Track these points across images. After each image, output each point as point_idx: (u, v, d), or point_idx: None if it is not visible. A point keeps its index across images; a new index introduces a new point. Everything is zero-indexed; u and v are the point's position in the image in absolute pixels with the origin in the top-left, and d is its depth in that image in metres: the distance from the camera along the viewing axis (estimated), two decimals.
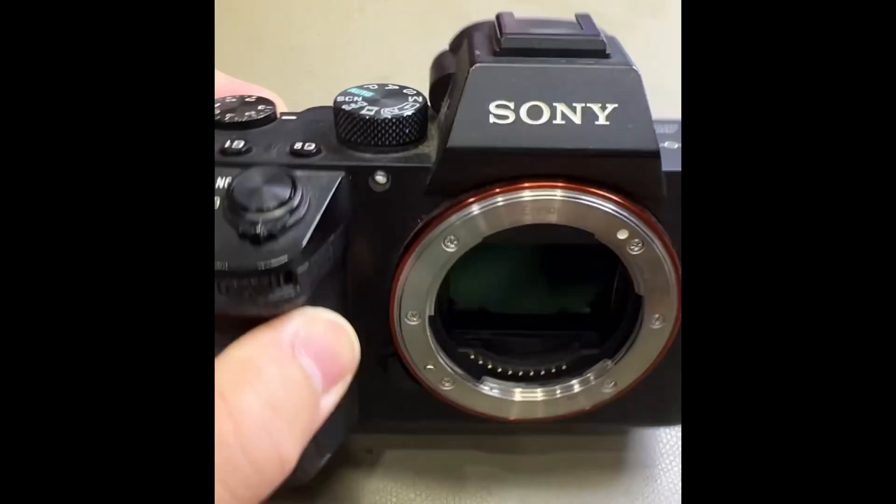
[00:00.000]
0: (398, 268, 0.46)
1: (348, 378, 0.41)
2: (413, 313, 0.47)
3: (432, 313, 0.48)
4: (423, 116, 0.45)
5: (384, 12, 1.07)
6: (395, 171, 0.44)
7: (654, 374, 0.50)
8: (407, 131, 0.45)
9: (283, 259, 0.37)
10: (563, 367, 0.52)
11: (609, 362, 0.50)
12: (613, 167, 0.43)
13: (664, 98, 0.47)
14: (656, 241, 0.45)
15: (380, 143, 0.44)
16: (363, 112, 0.44)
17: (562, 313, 0.53)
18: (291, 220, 0.39)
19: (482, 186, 0.43)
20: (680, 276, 0.46)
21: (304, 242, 0.39)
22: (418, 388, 0.51)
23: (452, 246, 0.45)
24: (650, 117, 0.42)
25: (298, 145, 0.44)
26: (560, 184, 0.43)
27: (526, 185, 0.43)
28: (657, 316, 0.48)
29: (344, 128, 0.45)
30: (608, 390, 0.51)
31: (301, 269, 0.38)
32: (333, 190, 0.42)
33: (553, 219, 0.44)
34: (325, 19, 1.04)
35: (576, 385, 0.51)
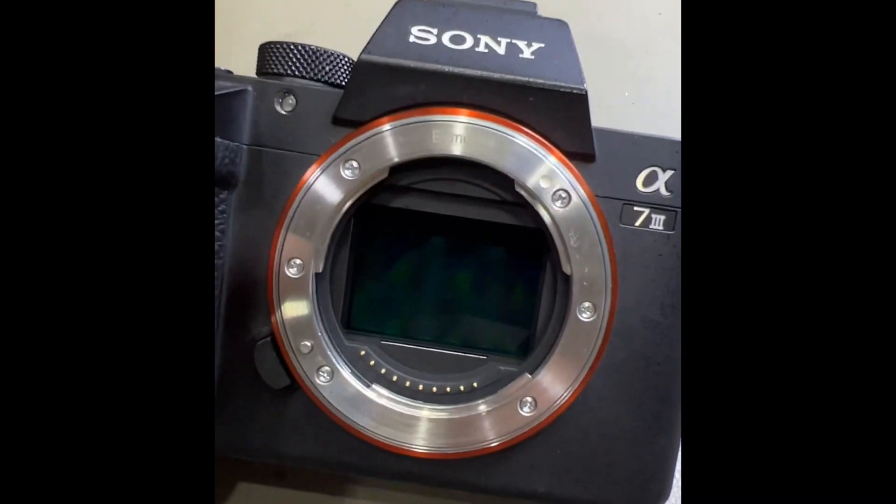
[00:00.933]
0: (287, 202, 0.40)
1: None
2: (295, 261, 0.40)
3: (320, 270, 0.40)
4: (345, 68, 0.43)
5: None
6: (301, 93, 0.41)
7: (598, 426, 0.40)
8: (327, 68, 0.42)
9: None
10: (474, 385, 0.41)
11: (527, 377, 0.40)
12: (537, 105, 0.39)
13: None
14: (585, 199, 0.39)
15: (296, 70, 0.42)
16: (287, 42, 0.42)
17: (478, 324, 0.44)
18: None
19: (392, 113, 0.40)
20: (615, 261, 0.39)
21: None
22: (289, 382, 0.41)
23: (351, 173, 0.39)
24: (578, 60, 0.39)
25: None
26: (477, 112, 0.39)
27: (439, 109, 0.39)
28: (587, 304, 0.39)
29: (264, 60, 0.43)
30: (527, 412, 0.40)
31: None
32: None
33: (467, 149, 0.39)
34: None
35: (482, 406, 0.40)
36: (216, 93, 0.39)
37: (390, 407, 0.40)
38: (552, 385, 0.40)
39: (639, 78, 0.54)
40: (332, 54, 0.42)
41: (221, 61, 0.43)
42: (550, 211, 0.39)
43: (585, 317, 0.39)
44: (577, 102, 0.39)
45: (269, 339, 0.41)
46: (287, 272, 0.40)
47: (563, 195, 0.39)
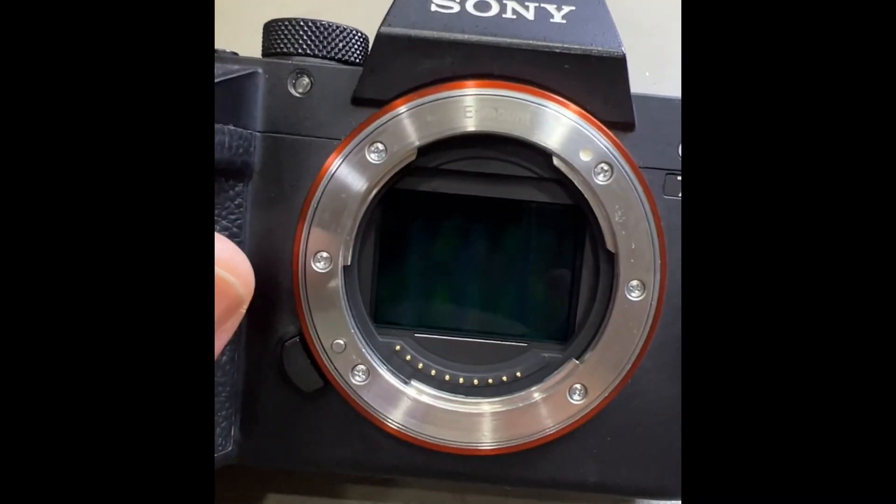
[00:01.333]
0: (309, 192, 0.37)
1: (242, 310, 0.33)
2: (322, 254, 0.37)
3: (348, 262, 0.37)
4: (359, 45, 0.40)
5: None
6: (317, 72, 0.38)
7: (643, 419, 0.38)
8: (340, 45, 0.39)
9: None
10: (518, 375, 0.39)
11: (574, 362, 0.38)
12: (572, 73, 0.36)
13: None
14: (628, 170, 0.36)
15: (307, 48, 0.39)
16: (297, 18, 0.39)
17: (517, 310, 0.42)
18: None
19: (417, 90, 0.37)
20: (662, 235, 0.37)
21: None
22: (322, 383, 0.38)
23: (377, 156, 0.36)
24: (613, 22, 0.37)
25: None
26: (509, 84, 0.36)
27: (467, 83, 0.36)
28: (635, 282, 0.37)
29: (270, 39, 0.40)
30: (576, 400, 0.38)
31: None
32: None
33: (499, 125, 0.36)
34: None
35: (535, 394, 0.38)
36: (223, 77, 0.36)
37: (434, 404, 0.38)
38: (601, 370, 0.37)
39: (660, 58, 0.52)
40: (345, 30, 0.39)
41: (224, 44, 0.40)
42: (592, 185, 0.36)
43: (635, 296, 0.37)
44: (615, 67, 0.36)
45: (297, 339, 0.38)
46: (314, 266, 0.37)
47: (606, 168, 0.36)
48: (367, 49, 0.40)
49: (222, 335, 0.32)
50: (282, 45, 0.39)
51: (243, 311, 0.33)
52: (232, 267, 0.31)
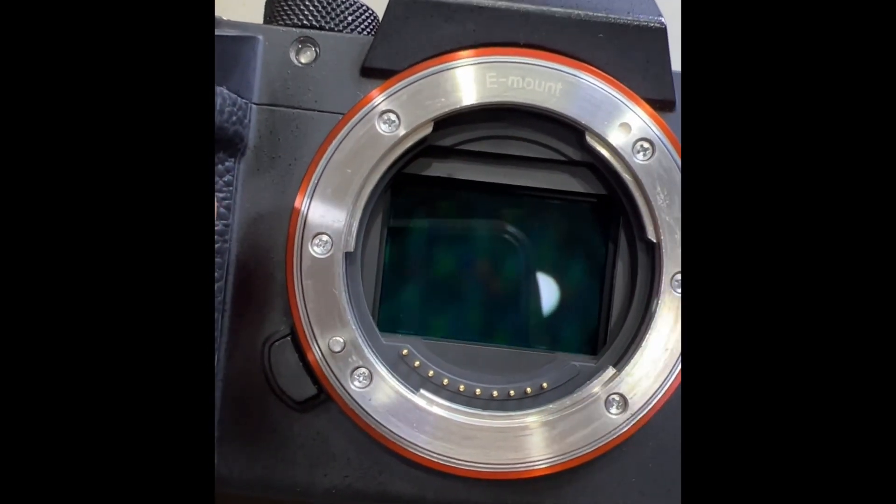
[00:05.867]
0: (310, 166, 0.33)
1: None
2: (322, 237, 0.32)
3: (351, 248, 0.32)
4: (369, 20, 0.37)
5: None
6: (323, 41, 0.34)
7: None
8: (349, 19, 0.36)
9: None
10: (544, 386, 0.34)
11: (611, 371, 0.33)
12: (608, 42, 0.33)
13: None
14: (671, 149, 0.33)
15: (313, 20, 0.35)
16: None
17: (542, 312, 0.36)
18: None
19: (435, 57, 0.33)
20: None
21: None
22: (315, 390, 0.33)
23: (389, 127, 0.32)
24: None
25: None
26: (538, 52, 0.33)
27: (491, 49, 0.33)
28: (680, 275, 0.32)
29: (273, 11, 0.36)
30: (614, 414, 0.32)
31: None
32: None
33: (527, 95, 0.32)
34: None
35: (569, 407, 0.32)
36: (218, 34, 0.32)
37: (449, 417, 0.32)
38: (643, 379, 0.32)
39: None
40: (356, 2, 0.36)
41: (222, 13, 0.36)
42: (631, 165, 0.32)
43: (680, 292, 0.32)
44: (655, 39, 0.33)
45: (288, 338, 0.33)
46: (312, 250, 0.32)
47: (646, 146, 0.32)
48: (376, 24, 0.37)
49: None
50: (285, 17, 0.36)
51: None
52: None
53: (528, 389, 0.34)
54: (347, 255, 0.32)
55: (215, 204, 0.32)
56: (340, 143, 0.32)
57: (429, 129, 0.32)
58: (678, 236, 0.32)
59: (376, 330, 0.34)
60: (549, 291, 0.36)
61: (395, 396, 0.32)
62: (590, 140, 0.32)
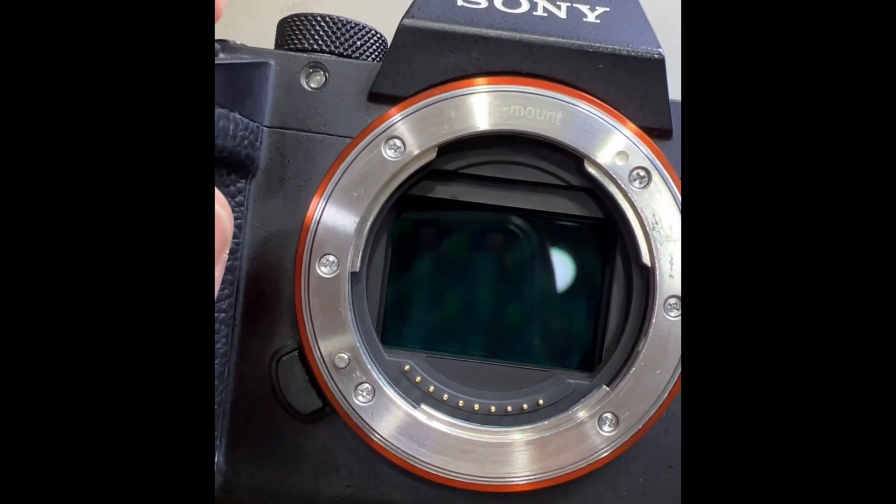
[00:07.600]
0: (318, 188, 0.34)
1: (225, 255, 0.29)
2: (328, 257, 0.33)
3: (357, 268, 0.34)
4: (377, 44, 0.38)
5: None
6: (332, 66, 0.35)
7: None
8: (358, 44, 0.37)
9: None
10: (540, 403, 0.35)
11: (605, 389, 0.34)
12: (607, 73, 0.34)
13: None
14: (667, 177, 0.34)
15: (323, 45, 0.37)
16: (311, 13, 0.37)
17: (540, 332, 0.38)
18: None
19: (440, 85, 0.34)
20: None
21: None
22: (321, 404, 0.34)
23: (395, 153, 0.34)
24: (649, 24, 0.35)
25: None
26: (539, 82, 0.34)
27: (494, 79, 0.34)
28: (673, 300, 0.33)
29: (284, 35, 0.37)
30: (607, 432, 0.34)
31: None
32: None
33: (528, 123, 0.33)
34: None
35: (563, 423, 0.34)
36: (230, 61, 0.34)
37: (449, 432, 0.33)
38: (635, 398, 0.33)
39: None
40: (365, 28, 0.37)
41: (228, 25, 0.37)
42: (628, 192, 0.33)
43: (673, 315, 0.33)
44: (653, 69, 0.34)
45: (295, 353, 0.34)
46: (319, 270, 0.33)
47: (642, 174, 0.34)
48: (385, 49, 0.38)
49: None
50: (296, 42, 0.37)
51: (226, 256, 0.29)
52: (217, 196, 0.28)
53: (525, 406, 0.35)
54: (353, 275, 0.34)
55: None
56: (348, 167, 0.33)
57: (433, 155, 0.34)
58: (672, 261, 0.33)
59: (380, 346, 0.35)
60: (548, 310, 0.37)
61: (397, 411, 0.33)
62: (588, 167, 0.34)
